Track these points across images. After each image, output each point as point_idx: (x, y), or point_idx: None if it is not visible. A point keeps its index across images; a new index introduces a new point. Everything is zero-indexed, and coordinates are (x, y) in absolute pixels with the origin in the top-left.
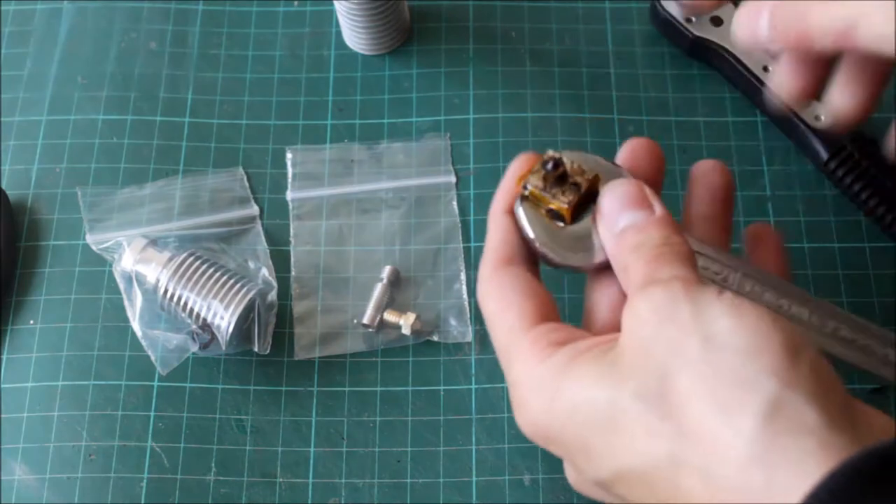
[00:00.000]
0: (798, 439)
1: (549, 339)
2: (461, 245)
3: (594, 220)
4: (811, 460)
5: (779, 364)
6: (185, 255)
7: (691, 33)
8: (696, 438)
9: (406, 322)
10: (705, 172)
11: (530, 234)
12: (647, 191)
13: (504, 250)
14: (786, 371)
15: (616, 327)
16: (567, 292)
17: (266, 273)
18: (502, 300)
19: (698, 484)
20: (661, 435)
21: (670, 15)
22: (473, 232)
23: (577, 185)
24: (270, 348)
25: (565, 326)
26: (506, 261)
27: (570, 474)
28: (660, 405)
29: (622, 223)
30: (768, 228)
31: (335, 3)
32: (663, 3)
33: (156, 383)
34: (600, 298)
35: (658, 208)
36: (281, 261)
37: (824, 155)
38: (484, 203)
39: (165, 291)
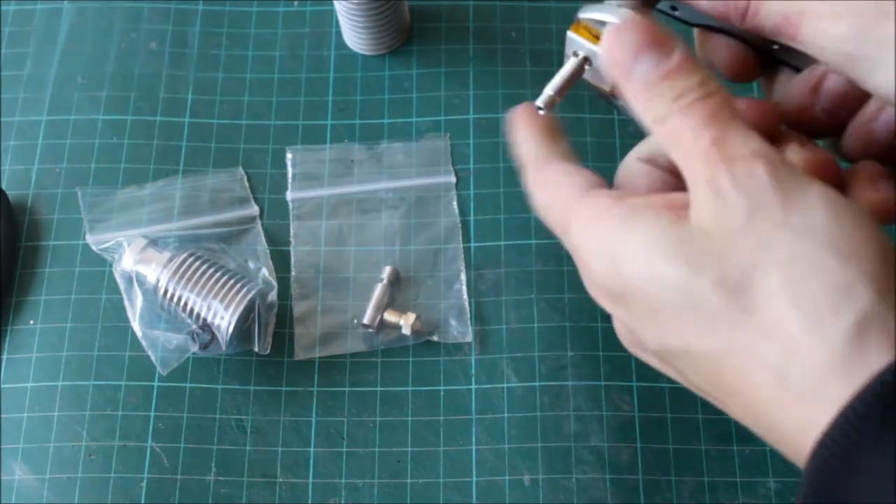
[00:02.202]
0: (886, 357)
1: (606, 195)
2: (461, 245)
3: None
4: None
5: (876, 271)
6: (185, 255)
7: None
8: (778, 339)
9: (406, 322)
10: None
11: (591, 48)
12: (658, 29)
13: (545, 149)
14: (882, 280)
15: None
16: (567, 292)
17: (266, 273)
18: (557, 181)
19: (770, 381)
20: (739, 327)
21: None
22: (473, 232)
23: None
24: (270, 348)
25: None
26: (548, 159)
27: (625, 336)
28: (741, 298)
29: (640, 69)
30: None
31: (335, 3)
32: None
33: (156, 383)
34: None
35: (678, 48)
36: (281, 261)
37: None
38: (484, 203)
39: (165, 291)
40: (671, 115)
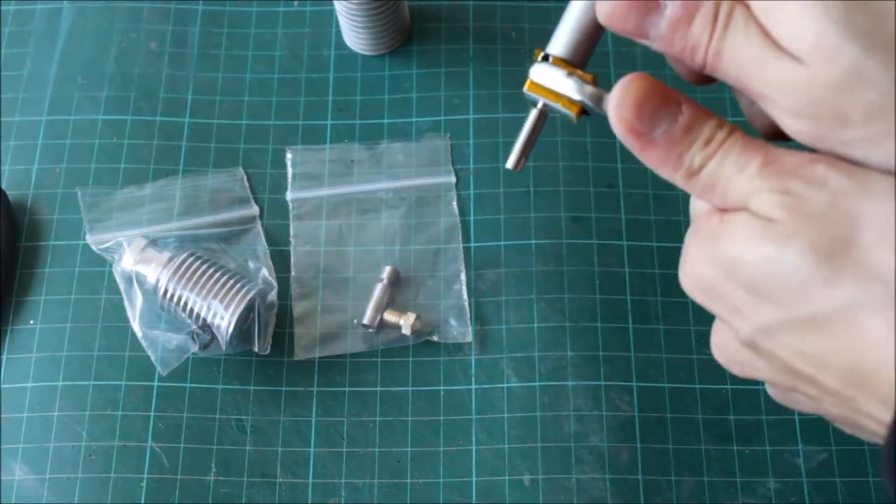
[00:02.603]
0: None
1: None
2: (461, 245)
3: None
4: None
5: None
6: (185, 255)
7: None
8: (883, 281)
9: (406, 322)
10: None
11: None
12: (659, 83)
13: None
14: None
15: None
16: (567, 292)
17: (266, 273)
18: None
19: (881, 323)
20: (839, 284)
21: None
22: (473, 232)
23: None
24: (270, 348)
25: None
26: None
27: (719, 338)
28: (836, 259)
29: (659, 131)
30: None
31: (335, 3)
32: None
33: (156, 383)
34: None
35: (683, 98)
36: (281, 261)
37: None
38: (484, 203)
39: (165, 291)
40: (707, 162)
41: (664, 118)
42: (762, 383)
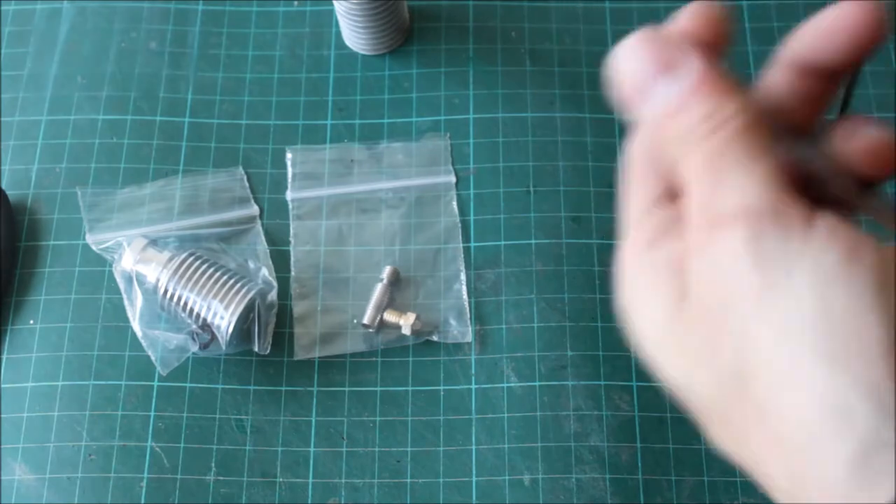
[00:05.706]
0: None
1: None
2: (461, 245)
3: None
4: None
5: (874, 374)
6: (185, 255)
7: None
8: (785, 453)
9: (406, 322)
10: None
11: None
12: (672, 39)
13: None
14: (882, 387)
15: None
16: (567, 292)
17: (266, 273)
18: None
19: (785, 483)
20: (741, 414)
21: None
22: (473, 232)
23: None
24: (270, 348)
25: None
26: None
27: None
28: (738, 399)
29: (654, 102)
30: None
31: (335, 3)
32: None
33: (156, 383)
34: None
35: (694, 62)
36: (281, 261)
37: None
38: (484, 203)
39: (165, 291)
40: (682, 157)
41: (662, 87)
42: None
